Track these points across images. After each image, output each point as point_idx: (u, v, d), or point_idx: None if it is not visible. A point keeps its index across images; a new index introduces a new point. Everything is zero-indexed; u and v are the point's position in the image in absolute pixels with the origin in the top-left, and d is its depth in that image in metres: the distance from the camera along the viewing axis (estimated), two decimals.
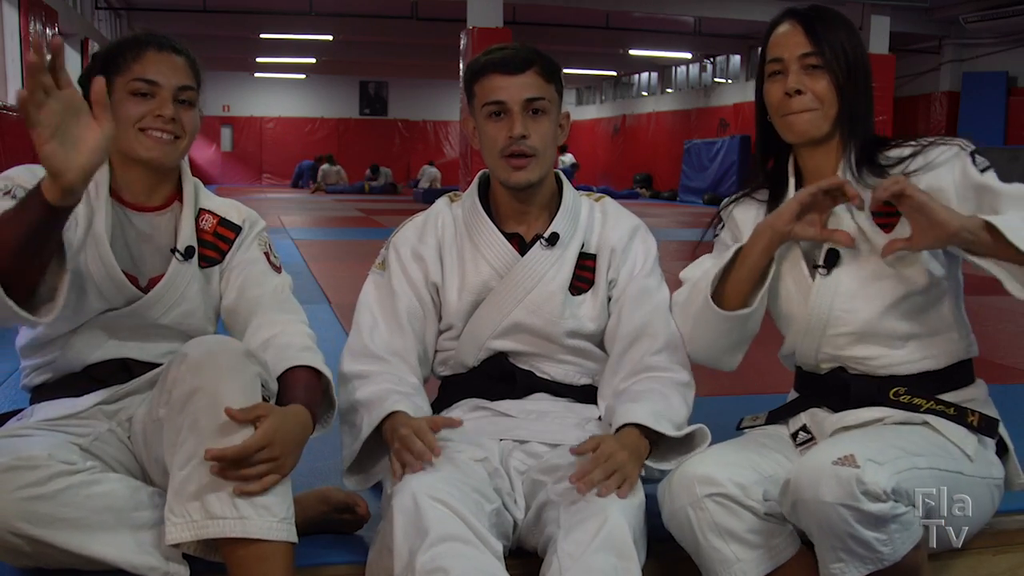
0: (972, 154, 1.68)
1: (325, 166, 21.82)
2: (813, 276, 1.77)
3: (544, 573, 1.54)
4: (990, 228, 1.51)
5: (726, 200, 1.95)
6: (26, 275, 1.51)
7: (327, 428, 1.80)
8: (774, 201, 1.83)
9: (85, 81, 1.75)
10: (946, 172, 1.67)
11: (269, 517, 1.53)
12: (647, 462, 1.73)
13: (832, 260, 1.75)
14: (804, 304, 1.77)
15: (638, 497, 1.63)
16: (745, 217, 1.88)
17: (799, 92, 1.73)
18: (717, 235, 1.94)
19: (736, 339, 1.82)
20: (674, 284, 1.94)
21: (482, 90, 1.84)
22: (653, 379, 1.83)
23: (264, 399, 1.61)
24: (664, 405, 1.78)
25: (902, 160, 1.72)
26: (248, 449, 1.51)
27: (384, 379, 1.81)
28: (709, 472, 1.63)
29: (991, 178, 1.65)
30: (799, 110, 1.73)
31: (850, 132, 1.75)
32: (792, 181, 1.82)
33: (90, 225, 1.72)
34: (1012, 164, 13.28)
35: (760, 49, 1.82)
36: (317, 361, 1.76)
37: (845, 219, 1.74)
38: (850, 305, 1.74)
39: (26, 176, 1.68)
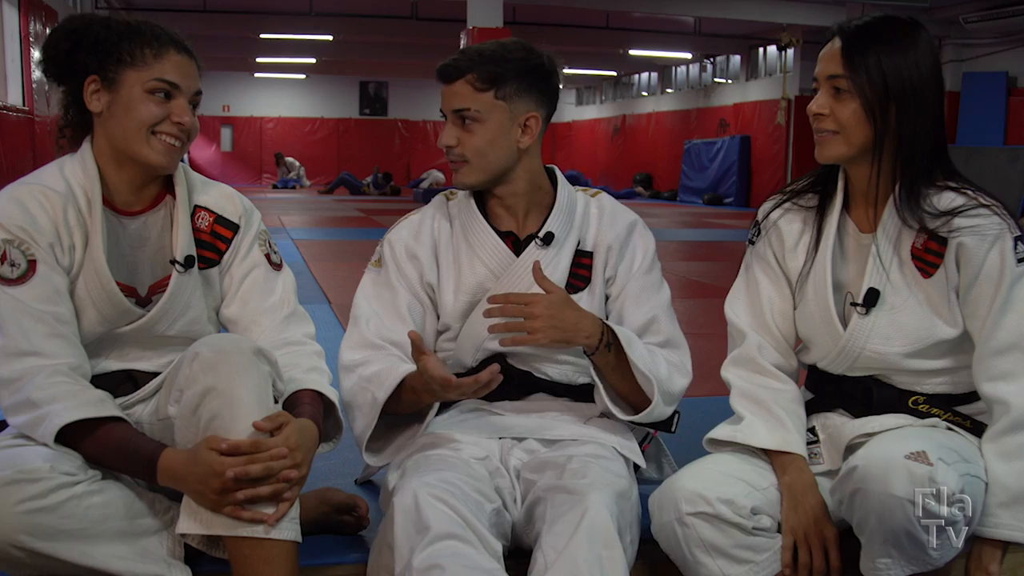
0: (1016, 239, 1.64)
1: (290, 160, 22.97)
2: (844, 312, 1.72)
3: (531, 570, 1.54)
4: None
5: (767, 204, 1.87)
6: None
7: (334, 446, 1.80)
8: (822, 210, 1.78)
9: (69, 62, 1.67)
10: (985, 247, 1.63)
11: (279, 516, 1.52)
12: (617, 409, 1.79)
13: (871, 300, 1.70)
14: (832, 336, 1.73)
15: (618, 486, 1.63)
16: (790, 228, 1.82)
17: (820, 115, 1.68)
18: (752, 242, 1.88)
19: None
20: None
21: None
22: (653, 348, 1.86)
23: (275, 399, 1.60)
24: (647, 351, 1.80)
25: (946, 214, 1.65)
26: (264, 446, 1.50)
27: (385, 360, 1.81)
28: (697, 488, 1.61)
29: (1018, 276, 1.62)
30: (818, 132, 1.70)
31: (902, 163, 1.67)
32: (840, 197, 1.76)
33: (86, 247, 1.66)
34: (1012, 164, 13.27)
35: None
36: (322, 384, 1.74)
37: (884, 261, 1.70)
38: (883, 348, 1.71)
39: (18, 216, 1.61)
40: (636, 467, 1.88)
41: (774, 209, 1.85)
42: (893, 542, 1.48)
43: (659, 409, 1.79)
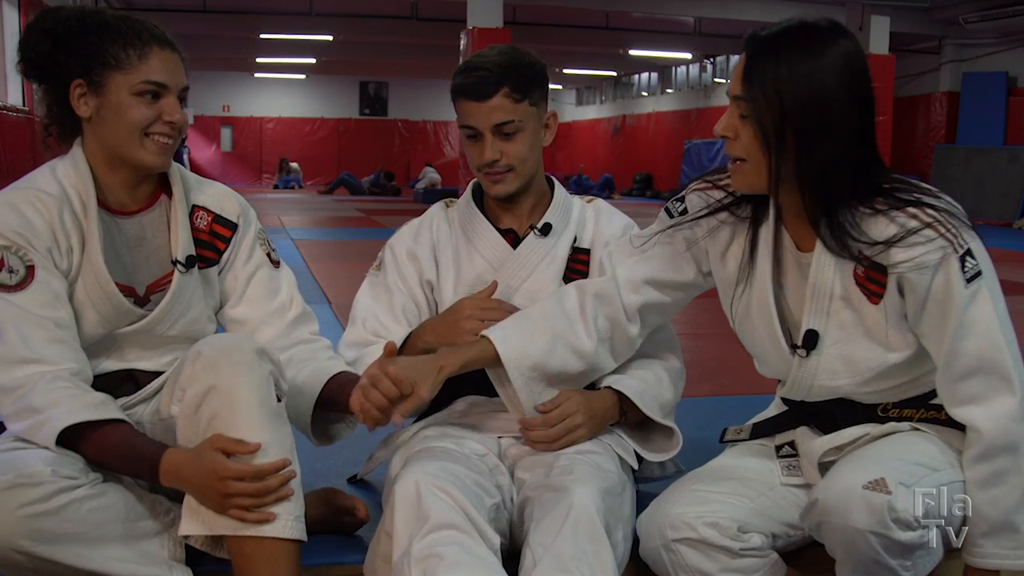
0: (963, 257, 1.47)
1: (294, 165, 23.17)
2: (791, 335, 1.64)
3: (521, 567, 1.54)
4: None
5: (695, 199, 1.71)
6: None
7: (352, 430, 1.84)
8: (755, 225, 1.64)
9: (50, 64, 1.66)
10: (928, 276, 1.48)
11: (283, 515, 1.53)
12: (634, 444, 1.83)
13: (811, 342, 1.59)
14: (783, 361, 1.65)
15: (606, 481, 1.63)
16: (716, 247, 1.70)
17: (726, 137, 1.52)
18: (670, 214, 1.74)
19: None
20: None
21: (458, 110, 1.88)
22: (647, 362, 1.89)
23: (277, 398, 1.60)
24: (654, 384, 1.85)
25: (879, 244, 1.49)
26: (265, 471, 1.51)
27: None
28: (681, 512, 1.58)
29: (969, 297, 1.48)
30: (731, 157, 1.54)
31: (811, 194, 1.50)
32: (772, 214, 1.62)
33: (83, 249, 1.65)
34: (1012, 164, 13.28)
35: None
36: (345, 368, 1.79)
37: (826, 288, 1.57)
38: (832, 383, 1.63)
39: (14, 222, 1.60)
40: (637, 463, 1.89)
41: (703, 215, 1.70)
42: (863, 570, 1.46)
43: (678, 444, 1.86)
